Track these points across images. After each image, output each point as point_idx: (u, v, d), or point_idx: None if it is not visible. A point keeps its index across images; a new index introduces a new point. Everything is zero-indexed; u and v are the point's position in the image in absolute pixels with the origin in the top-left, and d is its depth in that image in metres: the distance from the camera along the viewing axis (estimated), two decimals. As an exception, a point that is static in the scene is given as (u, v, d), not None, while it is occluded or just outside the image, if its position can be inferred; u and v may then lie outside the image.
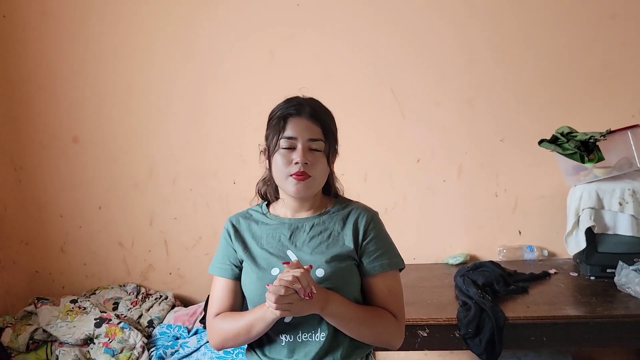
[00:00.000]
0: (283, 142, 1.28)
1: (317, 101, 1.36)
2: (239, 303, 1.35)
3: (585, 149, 2.15)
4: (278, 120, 1.30)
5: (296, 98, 1.34)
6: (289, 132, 1.28)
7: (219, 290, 1.35)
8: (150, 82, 2.78)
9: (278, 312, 1.14)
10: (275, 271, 1.26)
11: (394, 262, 1.32)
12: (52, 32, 2.79)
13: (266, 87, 2.67)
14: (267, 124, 1.34)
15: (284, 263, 1.20)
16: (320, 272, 1.24)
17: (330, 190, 1.41)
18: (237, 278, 1.34)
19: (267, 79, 2.66)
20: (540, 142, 2.26)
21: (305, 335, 1.26)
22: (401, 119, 2.62)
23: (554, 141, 2.24)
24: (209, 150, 2.78)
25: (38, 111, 2.85)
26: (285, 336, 1.26)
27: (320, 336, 1.25)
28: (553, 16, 2.47)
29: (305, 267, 1.18)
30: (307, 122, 1.28)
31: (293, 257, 1.28)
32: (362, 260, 1.30)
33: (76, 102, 2.83)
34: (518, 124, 2.54)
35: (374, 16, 2.59)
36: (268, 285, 1.15)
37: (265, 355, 1.30)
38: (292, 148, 1.27)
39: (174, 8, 2.71)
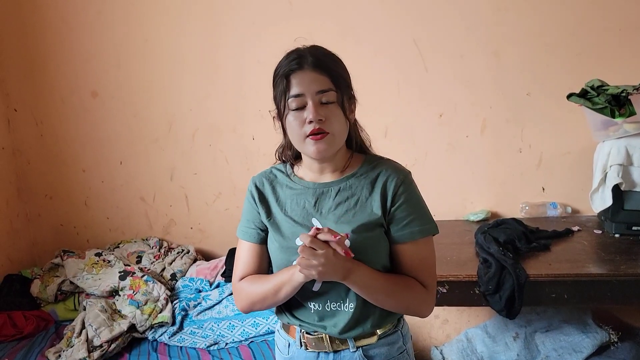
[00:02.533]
0: (292, 102, 1.16)
1: (320, 48, 1.23)
2: (265, 266, 1.30)
3: (616, 103, 2.05)
4: (281, 79, 1.18)
5: (296, 50, 1.22)
6: (295, 89, 1.16)
7: (245, 253, 1.30)
8: (167, 36, 2.73)
9: (305, 273, 1.11)
10: (299, 241, 1.17)
11: (425, 229, 1.22)
12: (67, -16, 2.74)
13: (284, 39, 2.56)
14: (273, 85, 1.23)
15: (314, 229, 1.13)
16: (346, 243, 1.16)
17: (354, 144, 1.29)
18: (263, 242, 1.29)
19: (286, 30, 2.58)
20: (569, 96, 2.17)
21: (334, 304, 1.22)
22: (424, 72, 2.55)
23: (583, 95, 2.15)
24: (228, 105, 2.76)
25: (56, 66, 2.84)
26: (313, 304, 1.23)
27: (350, 306, 1.21)
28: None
29: (342, 234, 1.12)
30: (312, 74, 1.16)
31: (318, 225, 1.21)
32: (391, 227, 1.22)
33: (94, 56, 2.81)
34: (546, 77, 2.44)
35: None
36: (301, 235, 1.10)
37: (294, 317, 1.27)
38: (302, 107, 1.17)
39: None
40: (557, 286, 1.82)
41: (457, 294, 1.89)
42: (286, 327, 1.32)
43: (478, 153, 2.57)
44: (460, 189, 2.62)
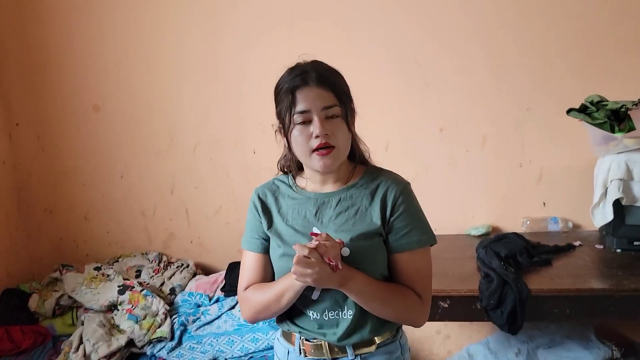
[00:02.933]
0: (297, 117, 1.19)
1: (321, 63, 1.25)
2: (269, 276, 1.32)
3: (615, 118, 2.07)
4: (286, 94, 1.21)
5: (298, 66, 1.24)
6: (300, 105, 1.19)
7: (249, 263, 1.33)
8: (169, 50, 2.75)
9: (300, 281, 1.13)
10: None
11: (423, 239, 1.25)
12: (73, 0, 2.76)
13: (286, 55, 2.59)
14: (275, 100, 1.25)
15: (312, 234, 1.16)
16: (345, 252, 1.19)
17: (356, 156, 1.31)
18: (267, 251, 1.31)
19: (288, 47, 2.61)
20: (569, 111, 2.18)
21: (332, 313, 1.23)
22: (424, 87, 2.56)
23: (583, 110, 2.16)
24: (229, 119, 2.76)
25: (58, 80, 2.85)
26: (312, 312, 1.25)
27: (348, 314, 1.23)
28: (586, -22, 2.37)
29: (337, 240, 1.15)
30: (316, 90, 1.19)
31: (317, 231, 1.23)
32: (389, 237, 1.24)
33: (96, 70, 2.82)
34: (545, 93, 2.46)
35: (397, -20, 2.51)
36: (295, 246, 1.13)
37: (295, 324, 1.29)
38: (307, 122, 1.19)
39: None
40: (559, 301, 1.81)
41: (459, 309, 1.87)
42: (286, 335, 1.34)
43: (479, 167, 2.58)
44: (461, 203, 2.61)
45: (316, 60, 1.26)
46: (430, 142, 2.60)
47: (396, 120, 2.61)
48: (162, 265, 2.79)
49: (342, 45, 2.57)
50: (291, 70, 1.24)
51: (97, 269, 2.66)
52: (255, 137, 2.73)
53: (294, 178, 1.35)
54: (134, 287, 2.49)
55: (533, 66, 2.46)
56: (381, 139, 2.60)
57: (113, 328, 2.36)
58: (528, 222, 2.52)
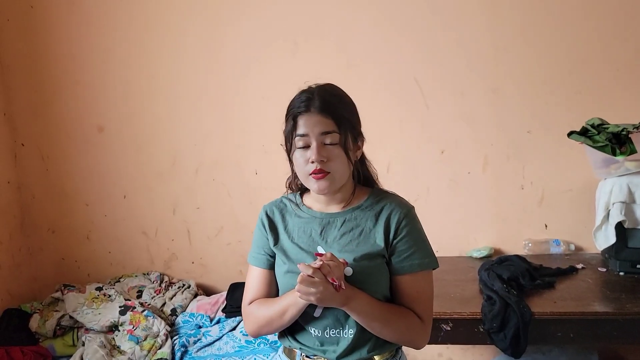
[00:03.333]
0: (298, 141, 1.26)
1: (331, 89, 1.30)
2: (273, 291, 1.35)
3: (617, 141, 2.08)
4: (290, 118, 1.27)
5: (307, 91, 1.29)
6: (300, 129, 1.25)
7: (254, 279, 1.36)
8: (174, 73, 2.79)
9: (304, 299, 1.15)
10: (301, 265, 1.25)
11: (425, 262, 1.27)
12: (78, 23, 2.81)
13: (289, 77, 2.64)
14: (285, 122, 1.31)
15: (316, 254, 1.20)
16: (348, 271, 1.22)
17: (361, 178, 1.36)
18: (272, 267, 1.35)
19: (290, 69, 2.65)
20: (570, 134, 2.20)
21: (333, 331, 1.26)
22: (425, 109, 2.58)
23: (584, 133, 2.18)
24: (231, 140, 2.79)
25: (64, 101, 2.89)
26: (314, 329, 1.27)
27: (349, 333, 1.25)
28: (584, 1, 2.40)
29: (340, 259, 1.18)
30: (317, 117, 1.24)
31: (322, 251, 1.27)
32: (392, 259, 1.27)
33: (101, 92, 2.85)
34: (546, 115, 2.48)
35: (398, 4, 2.55)
36: (299, 265, 1.15)
37: (297, 340, 1.31)
38: (307, 146, 1.25)
39: (200, 1, 2.71)
40: (563, 325, 1.80)
41: (461, 331, 1.86)
42: (287, 351, 1.35)
43: (480, 189, 2.58)
44: (462, 225, 2.61)
45: (325, 86, 1.31)
46: (431, 163, 2.61)
47: (397, 142, 2.62)
48: (163, 285, 2.78)
49: (343, 69, 2.60)
50: (300, 93, 1.30)
51: (99, 289, 2.65)
52: (257, 158, 2.75)
53: (302, 197, 1.40)
54: (135, 307, 2.48)
55: (534, 89, 2.48)
56: (382, 161, 2.61)
57: (114, 349, 2.35)
58: (530, 245, 2.51)
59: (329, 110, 1.25)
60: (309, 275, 1.13)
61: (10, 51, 2.87)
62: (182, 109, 2.81)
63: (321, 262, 1.14)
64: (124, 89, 2.84)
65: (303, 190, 1.41)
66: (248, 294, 1.36)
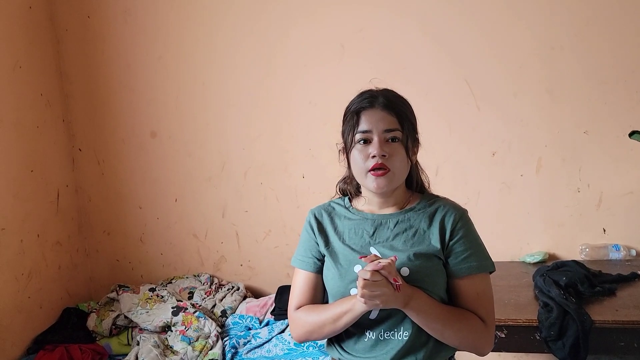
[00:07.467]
0: (358, 137, 1.24)
1: (392, 91, 1.32)
2: (320, 296, 1.33)
3: (682, 142, 1.98)
4: (352, 115, 1.27)
5: (369, 91, 1.30)
6: (363, 125, 1.24)
7: (301, 283, 1.34)
8: (224, 80, 2.84)
9: (366, 303, 1.12)
10: (357, 268, 1.23)
11: (484, 264, 1.25)
12: (133, 32, 2.91)
13: (336, 80, 2.65)
14: (343, 120, 1.31)
15: (360, 257, 1.17)
16: (405, 271, 1.19)
17: (414, 184, 1.35)
18: (319, 271, 1.33)
19: (338, 72, 2.65)
20: (632, 134, 2.09)
21: (387, 333, 1.22)
22: (476, 111, 2.53)
23: (646, 133, 2.08)
24: (279, 144, 2.81)
25: (119, 108, 2.99)
26: (368, 332, 1.24)
27: (403, 335, 1.21)
28: (645, -2, 2.30)
29: (390, 257, 1.15)
30: (381, 113, 1.24)
31: (376, 253, 1.24)
32: (449, 261, 1.24)
33: (154, 99, 2.94)
34: (604, 115, 2.38)
35: (447, 5, 2.51)
36: (359, 272, 1.13)
37: (345, 350, 1.28)
38: (368, 142, 1.24)
39: (250, 9, 2.74)
40: (626, 334, 1.73)
41: (516, 339, 1.81)
42: None
43: (534, 192, 2.50)
44: (515, 229, 2.54)
45: (387, 88, 1.32)
46: (482, 166, 2.55)
47: (446, 145, 2.58)
48: (213, 287, 2.83)
49: (392, 73, 2.56)
50: (361, 94, 1.30)
51: (152, 290, 2.72)
52: (304, 162, 2.76)
53: (351, 200, 1.38)
54: (187, 308, 2.54)
55: (589, 89, 2.39)
56: (431, 164, 2.55)
57: (167, 349, 2.41)
58: (587, 250, 2.42)
59: (393, 108, 1.25)
60: (369, 278, 1.10)
61: (68, 60, 2.99)
62: (231, 114, 2.86)
63: (381, 264, 1.12)
64: (176, 96, 2.91)
65: (351, 195, 1.39)
66: (294, 299, 1.34)
